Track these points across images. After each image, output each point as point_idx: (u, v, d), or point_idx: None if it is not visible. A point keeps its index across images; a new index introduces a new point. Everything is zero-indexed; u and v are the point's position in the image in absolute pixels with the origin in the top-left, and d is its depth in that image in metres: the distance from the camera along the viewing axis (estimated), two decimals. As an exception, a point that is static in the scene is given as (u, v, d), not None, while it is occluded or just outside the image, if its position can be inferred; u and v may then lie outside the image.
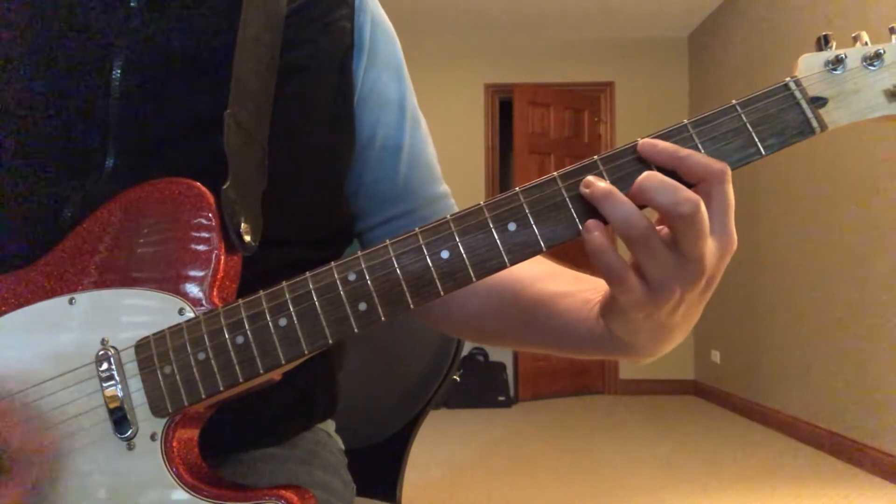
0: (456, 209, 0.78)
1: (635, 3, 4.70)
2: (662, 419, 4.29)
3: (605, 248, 0.46)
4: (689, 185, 0.45)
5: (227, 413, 0.57)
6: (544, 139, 5.11)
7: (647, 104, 5.19)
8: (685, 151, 0.46)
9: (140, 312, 0.54)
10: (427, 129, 0.78)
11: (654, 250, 0.45)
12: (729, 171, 0.45)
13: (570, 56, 5.32)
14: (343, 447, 0.84)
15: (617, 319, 0.51)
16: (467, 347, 4.64)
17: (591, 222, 0.46)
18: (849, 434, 3.17)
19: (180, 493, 0.51)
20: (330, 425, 0.83)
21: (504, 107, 5.34)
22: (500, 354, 4.82)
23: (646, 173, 0.45)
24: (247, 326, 0.51)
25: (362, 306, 0.49)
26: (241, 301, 0.52)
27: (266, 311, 0.51)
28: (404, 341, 1.00)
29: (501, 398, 4.72)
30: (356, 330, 0.50)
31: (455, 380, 1.01)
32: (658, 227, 0.46)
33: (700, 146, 0.47)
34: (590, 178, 0.47)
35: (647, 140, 0.47)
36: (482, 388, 4.68)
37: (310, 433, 0.76)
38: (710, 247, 0.45)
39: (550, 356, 4.93)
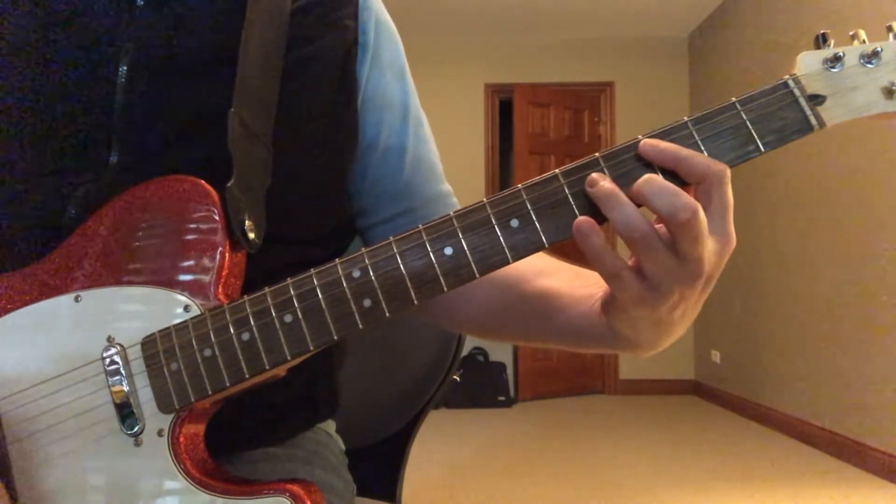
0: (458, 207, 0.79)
1: (635, 3, 4.70)
2: (662, 419, 4.29)
3: (601, 250, 0.47)
4: (687, 185, 0.46)
5: (228, 413, 0.58)
6: (544, 139, 5.11)
7: (647, 104, 5.19)
8: (686, 153, 0.46)
9: (145, 310, 0.54)
10: (429, 129, 0.79)
11: (654, 252, 0.46)
12: (728, 173, 0.46)
13: (570, 56, 5.32)
14: (343, 447, 0.84)
15: (618, 315, 0.52)
16: (467, 347, 4.65)
17: (582, 221, 0.46)
18: (849, 434, 3.17)
19: (188, 488, 0.51)
20: (330, 425, 0.83)
21: (504, 107, 5.34)
22: (501, 354, 4.83)
23: (644, 178, 0.46)
24: (252, 323, 0.51)
25: (367, 303, 0.50)
26: (246, 298, 0.52)
27: (271, 307, 0.51)
28: (404, 341, 1.00)
29: (501, 398, 4.72)
30: (361, 326, 0.50)
31: (455, 380, 1.01)
32: (658, 226, 0.47)
33: (700, 143, 0.47)
34: (594, 175, 0.47)
35: (647, 140, 0.47)
36: (482, 388, 4.68)
37: (310, 433, 0.77)
38: (709, 247, 0.46)
39: (550, 355, 4.99)
